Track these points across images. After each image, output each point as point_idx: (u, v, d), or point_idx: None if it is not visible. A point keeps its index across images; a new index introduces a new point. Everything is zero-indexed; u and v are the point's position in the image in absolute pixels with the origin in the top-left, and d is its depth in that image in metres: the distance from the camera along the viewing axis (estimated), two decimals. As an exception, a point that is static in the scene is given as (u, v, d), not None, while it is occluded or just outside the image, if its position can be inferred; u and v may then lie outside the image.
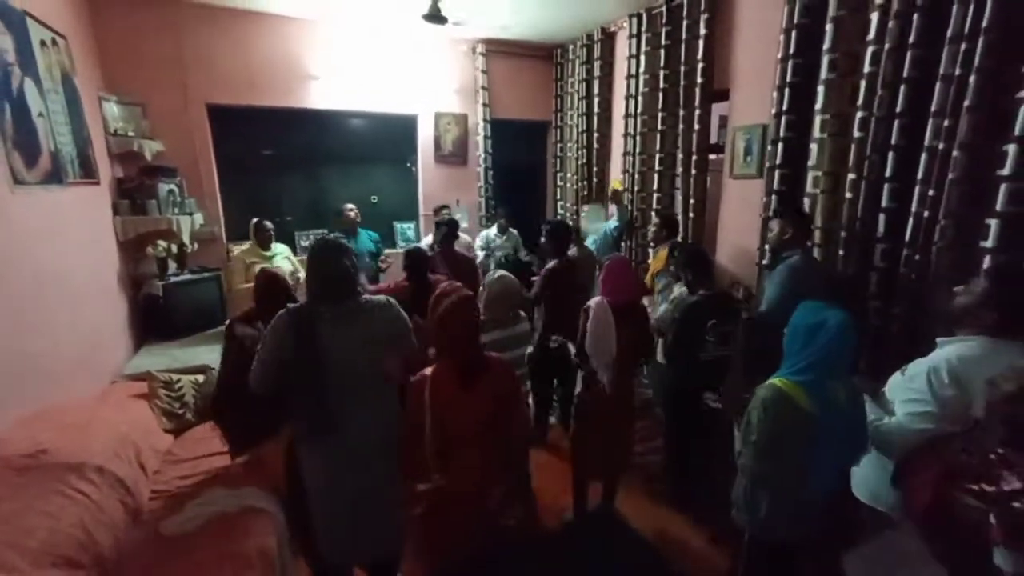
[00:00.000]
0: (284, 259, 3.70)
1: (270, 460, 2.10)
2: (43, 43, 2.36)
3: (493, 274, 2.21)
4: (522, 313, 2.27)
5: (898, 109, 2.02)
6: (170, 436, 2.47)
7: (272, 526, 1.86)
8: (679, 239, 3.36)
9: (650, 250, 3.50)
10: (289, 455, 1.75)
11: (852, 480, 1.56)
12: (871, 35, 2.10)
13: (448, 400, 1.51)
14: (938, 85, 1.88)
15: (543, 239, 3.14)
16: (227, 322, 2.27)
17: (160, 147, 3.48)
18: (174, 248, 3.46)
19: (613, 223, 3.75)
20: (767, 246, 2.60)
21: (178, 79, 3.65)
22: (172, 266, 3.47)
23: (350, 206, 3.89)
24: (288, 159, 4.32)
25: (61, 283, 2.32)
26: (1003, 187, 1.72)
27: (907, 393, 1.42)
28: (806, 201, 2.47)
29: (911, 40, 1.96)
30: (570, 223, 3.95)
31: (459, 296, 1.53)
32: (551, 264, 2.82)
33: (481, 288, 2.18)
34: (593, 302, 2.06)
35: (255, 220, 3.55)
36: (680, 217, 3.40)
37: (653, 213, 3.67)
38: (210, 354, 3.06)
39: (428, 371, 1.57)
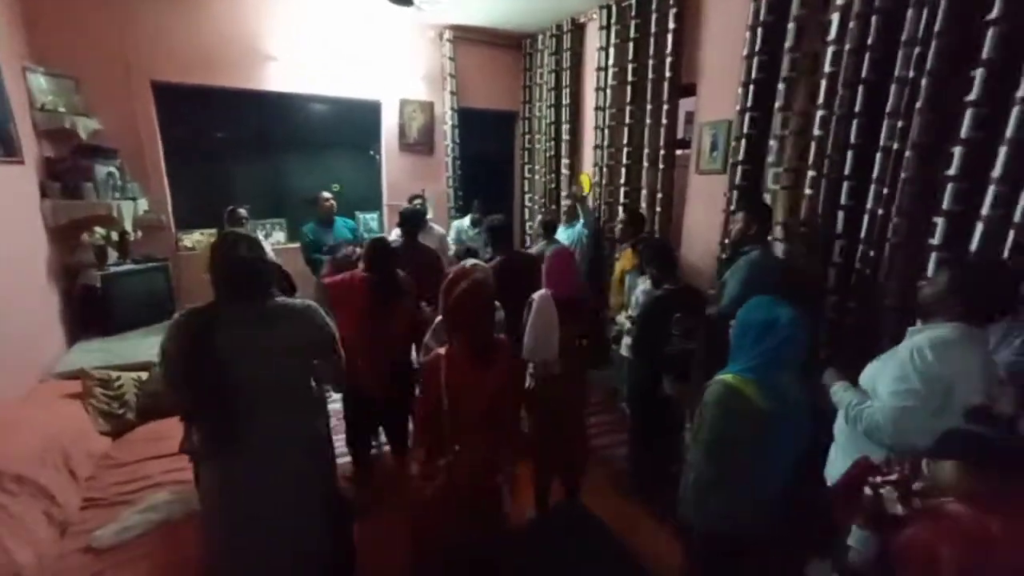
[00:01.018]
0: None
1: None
2: (-47, 4, 2.11)
3: (468, 262, 2.15)
4: (497, 303, 2.22)
5: (857, 109, 2.07)
6: (107, 439, 2.29)
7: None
8: (645, 234, 3.38)
9: (617, 247, 3.49)
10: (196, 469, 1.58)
11: (832, 473, 1.58)
12: (831, 35, 2.14)
13: (463, 380, 1.49)
14: (893, 87, 1.93)
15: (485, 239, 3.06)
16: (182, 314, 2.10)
17: (97, 125, 3.20)
18: (114, 236, 3.21)
19: (579, 225, 3.71)
20: (728, 240, 2.64)
21: (119, 52, 3.37)
22: (113, 255, 3.22)
23: (327, 195, 3.73)
24: (244, 143, 4.09)
25: (-23, 272, 2.10)
26: (949, 187, 1.78)
27: (889, 374, 1.42)
28: (767, 197, 2.52)
29: (869, 42, 2.00)
30: (547, 216, 3.88)
31: (474, 279, 1.51)
32: (494, 261, 2.74)
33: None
34: (537, 295, 2.02)
35: (229, 208, 3.37)
36: (646, 212, 3.42)
37: (620, 208, 3.67)
38: (154, 349, 2.86)
39: (442, 350, 1.53)
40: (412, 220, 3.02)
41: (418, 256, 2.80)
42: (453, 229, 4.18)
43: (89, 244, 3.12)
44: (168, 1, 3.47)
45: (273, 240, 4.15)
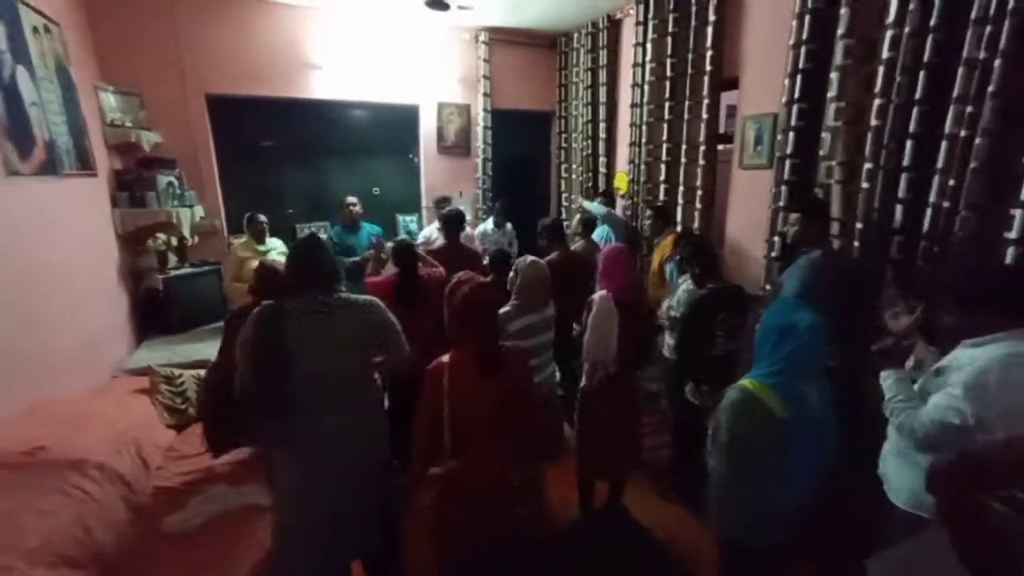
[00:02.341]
0: (279, 255, 3.61)
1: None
2: (35, 30, 2.30)
3: (524, 260, 2.16)
4: (551, 299, 2.23)
5: (917, 96, 1.96)
6: (172, 432, 2.44)
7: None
8: (680, 228, 3.31)
9: (655, 243, 3.43)
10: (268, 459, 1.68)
11: (890, 485, 1.50)
12: (890, 19, 2.03)
13: (466, 389, 1.48)
14: (960, 70, 1.81)
15: (540, 240, 3.12)
16: (227, 316, 2.22)
17: (158, 138, 3.43)
18: (174, 241, 3.42)
19: (606, 232, 3.67)
20: (785, 240, 2.54)
21: (176, 68, 3.59)
22: (172, 259, 3.43)
23: (352, 200, 3.81)
24: (289, 150, 4.25)
25: (59, 277, 2.29)
26: (1028, 176, 1.66)
27: (942, 386, 1.33)
28: (819, 192, 2.41)
29: (932, 23, 1.88)
30: (586, 215, 3.85)
31: (476, 284, 1.50)
32: (549, 258, 2.75)
33: (512, 274, 2.12)
34: (597, 296, 2.01)
35: (248, 214, 3.45)
36: (685, 209, 3.35)
37: (643, 204, 3.61)
38: (211, 349, 3.02)
39: (445, 358, 1.52)
40: (453, 222, 3.07)
41: (460, 256, 2.85)
42: (478, 234, 4.08)
43: (152, 249, 3.34)
44: (219, 16, 3.66)
45: (317, 243, 4.29)
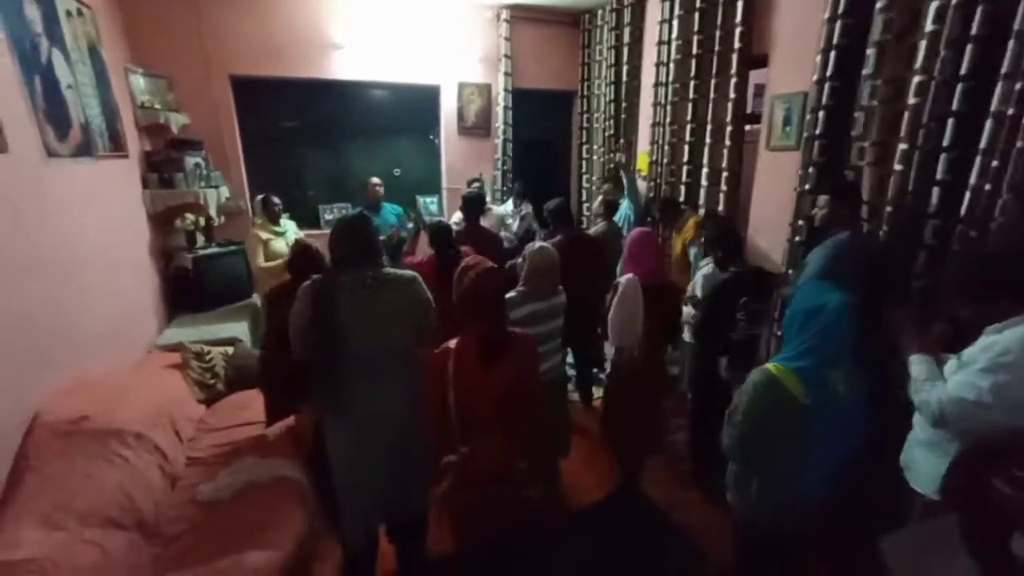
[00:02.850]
0: (294, 234, 3.65)
1: (302, 430, 2.15)
2: (69, 13, 2.35)
3: (533, 245, 2.14)
4: (560, 286, 2.20)
5: (963, 71, 1.86)
6: (202, 406, 2.55)
7: (301, 495, 1.92)
8: (704, 211, 3.26)
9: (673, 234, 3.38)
10: (317, 426, 1.77)
11: (914, 473, 1.49)
12: (937, -12, 1.92)
13: (471, 374, 1.48)
14: (1011, 43, 1.71)
15: (546, 223, 3.08)
16: (266, 295, 2.30)
17: (186, 120, 3.49)
18: (201, 221, 3.50)
19: (624, 205, 3.61)
20: (810, 223, 2.47)
21: (201, 50, 3.63)
22: (200, 239, 3.52)
23: (376, 180, 3.85)
24: (311, 131, 4.29)
25: (95, 256, 2.37)
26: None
27: (980, 358, 1.31)
28: (849, 174, 2.33)
29: (983, -7, 1.78)
30: (609, 196, 3.81)
31: (484, 268, 1.49)
32: (553, 241, 2.72)
33: (520, 259, 2.10)
34: (623, 279, 2.00)
35: (262, 196, 3.46)
36: (709, 191, 3.28)
37: (683, 187, 3.53)
38: (238, 327, 3.13)
39: (451, 344, 1.53)
40: (473, 204, 3.08)
41: (479, 239, 2.85)
42: (496, 216, 4.04)
43: (181, 229, 3.44)
44: (243, -1, 3.68)
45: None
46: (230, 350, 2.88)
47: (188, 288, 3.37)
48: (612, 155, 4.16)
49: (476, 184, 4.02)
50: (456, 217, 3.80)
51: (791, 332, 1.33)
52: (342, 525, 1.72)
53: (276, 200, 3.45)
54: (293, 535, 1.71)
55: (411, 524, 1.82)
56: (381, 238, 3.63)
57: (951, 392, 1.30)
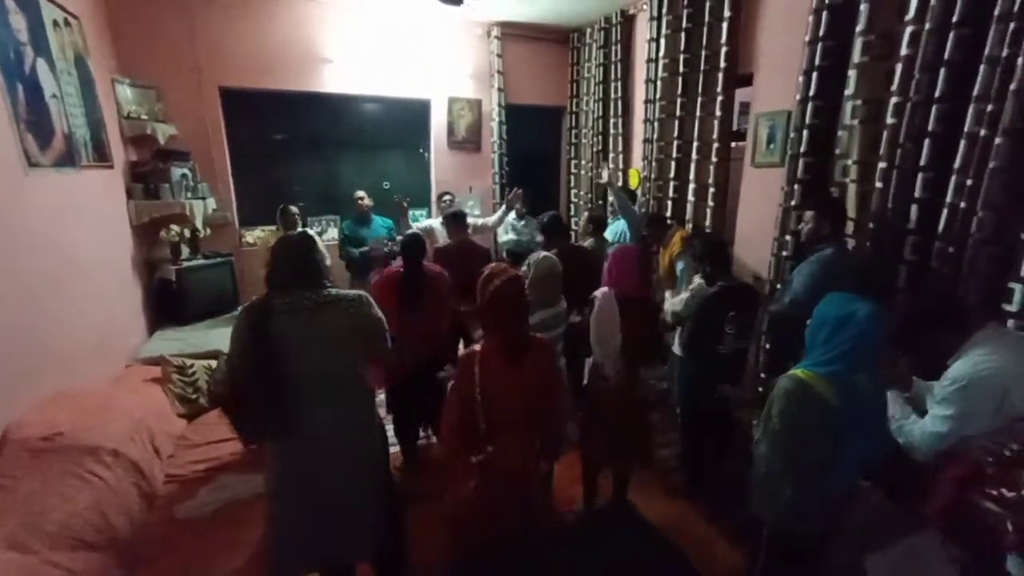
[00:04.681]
0: None
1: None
2: (56, 23, 2.34)
3: (538, 255, 2.19)
4: (561, 294, 2.25)
5: (937, 93, 1.92)
6: (184, 421, 2.48)
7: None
8: (691, 226, 3.29)
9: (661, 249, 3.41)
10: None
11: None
12: (910, 14, 1.99)
13: (496, 378, 1.51)
14: (982, 67, 1.78)
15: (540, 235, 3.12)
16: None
17: (173, 131, 3.47)
18: (187, 233, 3.46)
19: (622, 222, 3.63)
20: (795, 238, 2.52)
21: (191, 62, 3.62)
22: (185, 251, 3.47)
23: (360, 194, 3.86)
24: (300, 144, 4.28)
25: (76, 267, 2.33)
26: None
27: (940, 393, 1.40)
28: (834, 191, 2.38)
29: (955, 19, 1.85)
30: (595, 212, 3.83)
31: (509, 276, 1.52)
32: (550, 252, 2.74)
33: (526, 268, 2.14)
34: (599, 292, 2.02)
35: (281, 206, 3.57)
36: (697, 206, 3.32)
37: (670, 203, 3.57)
38: (222, 340, 3.06)
39: (477, 347, 1.56)
40: (456, 220, 3.09)
41: (464, 253, 2.86)
42: (505, 225, 4.03)
43: (166, 241, 3.39)
44: (233, 11, 3.68)
45: (328, 237, 4.34)
46: (214, 363, 2.82)
47: (172, 300, 3.31)
48: (598, 172, 4.20)
49: (447, 197, 3.98)
50: (428, 223, 3.73)
51: (816, 341, 1.37)
52: (271, 565, 1.56)
53: (294, 210, 3.58)
54: (260, 561, 1.65)
55: (387, 556, 1.71)
56: (366, 248, 3.66)
57: (928, 431, 1.39)
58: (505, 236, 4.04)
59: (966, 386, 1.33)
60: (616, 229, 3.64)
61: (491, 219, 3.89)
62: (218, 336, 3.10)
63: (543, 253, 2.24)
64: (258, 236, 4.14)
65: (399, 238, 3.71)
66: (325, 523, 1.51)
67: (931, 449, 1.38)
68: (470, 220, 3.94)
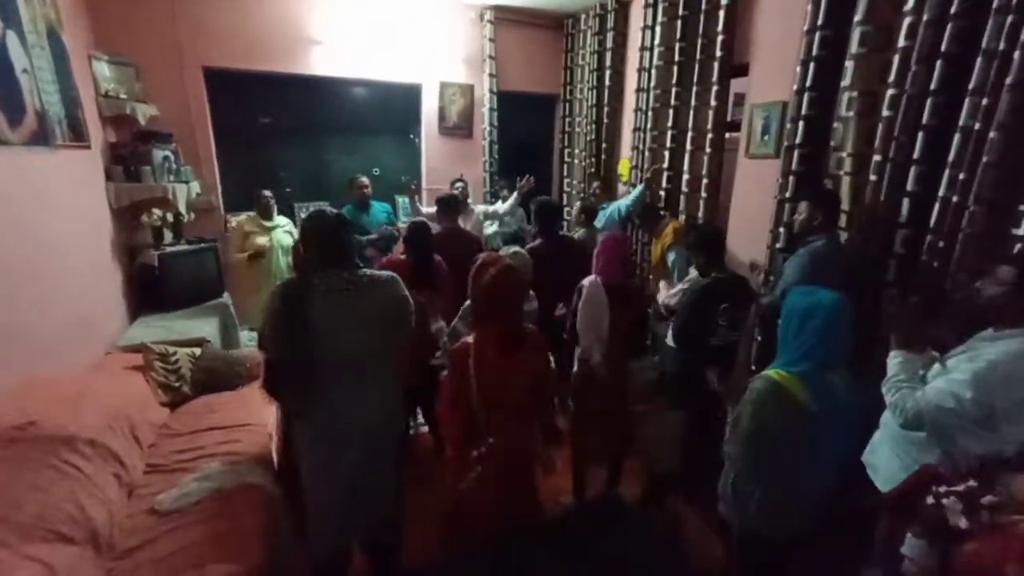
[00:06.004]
0: (285, 232, 3.62)
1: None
2: (26, -6, 2.22)
3: (508, 250, 2.16)
4: (531, 292, 2.21)
5: (932, 86, 1.91)
6: (166, 409, 2.42)
7: (269, 504, 1.84)
8: (684, 217, 3.27)
9: (653, 239, 3.39)
10: (283, 431, 1.71)
11: (878, 474, 1.51)
12: (909, 5, 1.97)
13: (491, 367, 1.49)
14: (979, 60, 1.77)
15: (532, 220, 3.08)
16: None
17: (154, 111, 3.35)
18: (169, 217, 3.36)
19: (626, 202, 3.60)
20: (788, 230, 2.51)
21: (173, 40, 3.49)
22: (168, 236, 3.38)
23: (363, 180, 3.83)
24: (288, 128, 4.18)
25: (52, 251, 2.24)
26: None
27: (947, 374, 1.35)
28: (828, 183, 2.37)
29: (953, 11, 1.83)
30: (586, 201, 3.80)
31: (504, 265, 1.50)
32: (533, 244, 2.72)
33: None
34: (587, 281, 2.00)
35: (256, 190, 3.51)
36: (690, 197, 3.31)
37: (663, 193, 3.55)
38: (207, 327, 3.01)
39: (470, 339, 1.54)
40: (447, 206, 3.04)
41: (455, 240, 2.81)
42: (482, 213, 3.99)
43: (147, 225, 3.29)
44: (219, -13, 3.55)
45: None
46: (198, 351, 2.76)
47: (154, 286, 3.21)
48: (592, 190, 4.16)
49: (459, 184, 3.96)
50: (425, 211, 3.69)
51: (787, 336, 1.33)
52: (309, 540, 1.64)
53: (267, 194, 3.53)
54: (258, 547, 1.63)
55: (385, 541, 1.76)
56: (373, 236, 3.61)
57: (931, 399, 1.32)
58: (491, 228, 3.99)
59: (999, 377, 1.24)
60: (604, 214, 3.61)
61: (503, 207, 3.85)
62: (202, 323, 3.03)
63: (515, 249, 2.21)
64: (239, 220, 4.03)
65: (400, 224, 3.69)
66: (360, 499, 1.57)
67: (919, 416, 1.32)
68: (481, 207, 3.93)
